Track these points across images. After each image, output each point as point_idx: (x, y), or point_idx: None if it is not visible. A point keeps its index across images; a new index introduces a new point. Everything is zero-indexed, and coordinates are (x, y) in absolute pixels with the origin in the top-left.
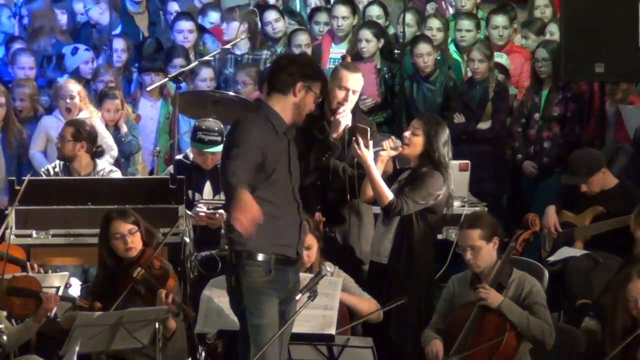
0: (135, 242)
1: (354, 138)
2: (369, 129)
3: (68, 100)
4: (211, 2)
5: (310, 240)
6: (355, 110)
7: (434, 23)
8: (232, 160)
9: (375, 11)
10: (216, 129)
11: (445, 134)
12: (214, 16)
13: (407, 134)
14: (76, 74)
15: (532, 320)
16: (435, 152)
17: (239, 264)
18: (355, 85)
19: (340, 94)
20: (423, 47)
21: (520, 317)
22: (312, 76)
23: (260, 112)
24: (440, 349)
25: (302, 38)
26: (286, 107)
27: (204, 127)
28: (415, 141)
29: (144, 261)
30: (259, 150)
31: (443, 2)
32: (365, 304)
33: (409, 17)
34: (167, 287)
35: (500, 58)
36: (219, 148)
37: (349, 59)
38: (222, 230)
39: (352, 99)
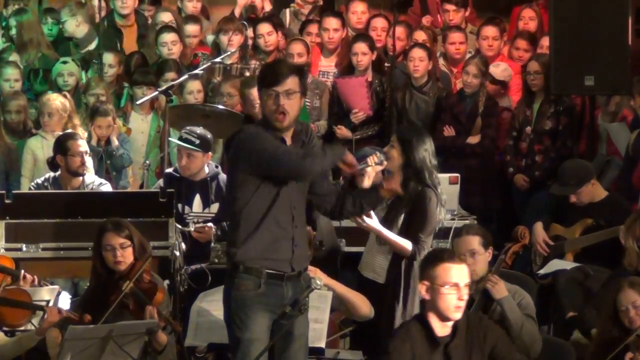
0: (126, 257)
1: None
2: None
3: (46, 118)
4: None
5: None
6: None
7: (420, 36)
8: (277, 155)
9: (380, 23)
10: (198, 132)
11: (424, 142)
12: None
13: (386, 148)
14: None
15: (526, 325)
16: (415, 161)
17: (230, 275)
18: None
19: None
20: (416, 52)
21: (517, 318)
22: (258, 81)
23: (256, 125)
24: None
25: (298, 47)
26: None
27: (188, 128)
28: (393, 153)
29: (133, 275)
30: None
31: (438, 16)
32: (358, 297)
33: (399, 30)
34: (155, 301)
35: (496, 68)
36: (192, 149)
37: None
38: (212, 244)
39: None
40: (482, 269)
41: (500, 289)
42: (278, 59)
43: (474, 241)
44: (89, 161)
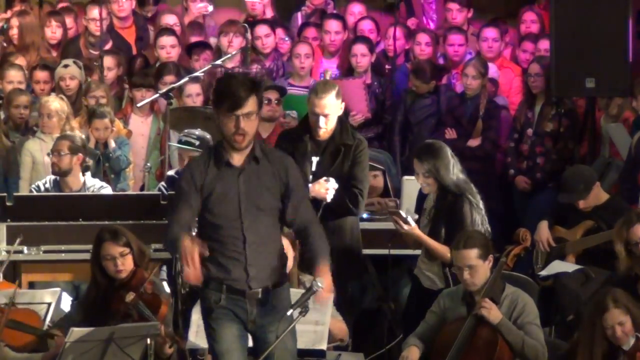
0: (126, 265)
1: (394, 220)
2: (399, 208)
3: (45, 119)
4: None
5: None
6: (342, 129)
7: (423, 38)
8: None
9: (367, 26)
10: (197, 133)
11: (444, 159)
12: None
13: (419, 181)
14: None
15: (527, 342)
16: (447, 182)
17: (201, 287)
18: (325, 109)
19: (313, 119)
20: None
21: (516, 338)
22: (215, 102)
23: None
24: (415, 357)
25: (305, 48)
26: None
27: (186, 131)
28: (428, 182)
29: (135, 284)
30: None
31: (424, 17)
32: (336, 324)
33: (398, 32)
34: (160, 315)
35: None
36: (193, 150)
37: (327, 75)
38: None
39: (326, 123)
40: (482, 279)
41: (495, 315)
42: (231, 75)
43: (472, 255)
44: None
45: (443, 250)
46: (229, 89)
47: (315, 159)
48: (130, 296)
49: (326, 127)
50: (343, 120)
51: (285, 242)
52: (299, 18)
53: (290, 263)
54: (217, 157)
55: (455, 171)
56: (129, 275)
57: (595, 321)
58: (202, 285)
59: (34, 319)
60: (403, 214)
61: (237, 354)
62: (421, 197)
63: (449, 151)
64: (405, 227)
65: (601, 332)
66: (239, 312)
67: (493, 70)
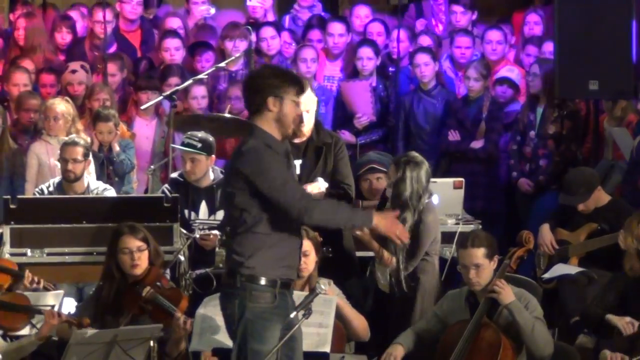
0: (142, 260)
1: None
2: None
3: (52, 122)
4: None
5: (308, 245)
6: (319, 129)
7: (425, 40)
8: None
9: (376, 28)
10: (200, 135)
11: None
12: None
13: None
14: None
15: (537, 327)
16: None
17: (244, 288)
18: (307, 105)
19: None
20: (421, 57)
21: (527, 321)
22: (279, 85)
23: (257, 139)
24: (399, 355)
25: (310, 53)
26: (270, 125)
27: (189, 133)
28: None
29: (151, 280)
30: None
31: (432, 19)
32: (359, 319)
33: (401, 34)
34: (181, 308)
35: (511, 72)
36: (195, 152)
37: None
38: (217, 249)
39: (307, 118)
40: (487, 278)
41: (508, 294)
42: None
43: (479, 254)
44: (91, 166)
45: (387, 256)
46: (296, 75)
47: (297, 162)
48: (146, 290)
49: (308, 123)
50: (317, 119)
51: (308, 245)
52: (287, 20)
53: (311, 267)
54: (278, 149)
55: (416, 187)
56: (143, 273)
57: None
58: (247, 285)
59: (23, 300)
60: None
61: (274, 356)
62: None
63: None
64: (357, 231)
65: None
66: (284, 312)
67: (514, 74)
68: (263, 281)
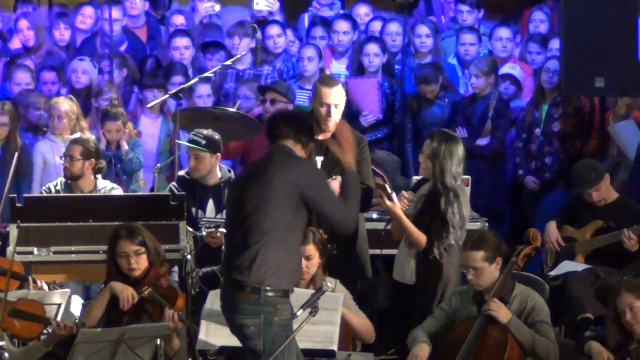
0: (140, 263)
1: (379, 193)
2: (386, 183)
3: (56, 121)
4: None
5: (312, 250)
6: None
7: (422, 30)
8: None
9: (378, 26)
10: (205, 132)
11: (454, 149)
12: None
13: (420, 160)
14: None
15: (537, 340)
16: (444, 170)
17: (269, 304)
18: (336, 99)
19: (323, 111)
20: (422, 29)
21: (527, 336)
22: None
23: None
24: (424, 355)
25: (309, 52)
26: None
27: (195, 130)
28: (428, 164)
29: (150, 280)
30: None
31: (442, 17)
32: (363, 323)
33: (396, 27)
34: (177, 307)
35: (514, 70)
36: (199, 149)
37: (327, 72)
38: (223, 247)
39: (335, 113)
40: (487, 281)
41: (504, 314)
42: None
43: (477, 257)
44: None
45: (419, 236)
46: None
47: (319, 159)
48: (146, 290)
49: (336, 118)
50: (343, 117)
51: (312, 249)
52: (306, 19)
53: (313, 270)
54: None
55: (456, 168)
56: (142, 273)
57: (610, 306)
58: (271, 298)
59: (38, 308)
60: (389, 189)
61: None
62: (420, 182)
63: (462, 148)
64: (388, 202)
65: (613, 319)
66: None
67: (516, 71)
68: (284, 294)
